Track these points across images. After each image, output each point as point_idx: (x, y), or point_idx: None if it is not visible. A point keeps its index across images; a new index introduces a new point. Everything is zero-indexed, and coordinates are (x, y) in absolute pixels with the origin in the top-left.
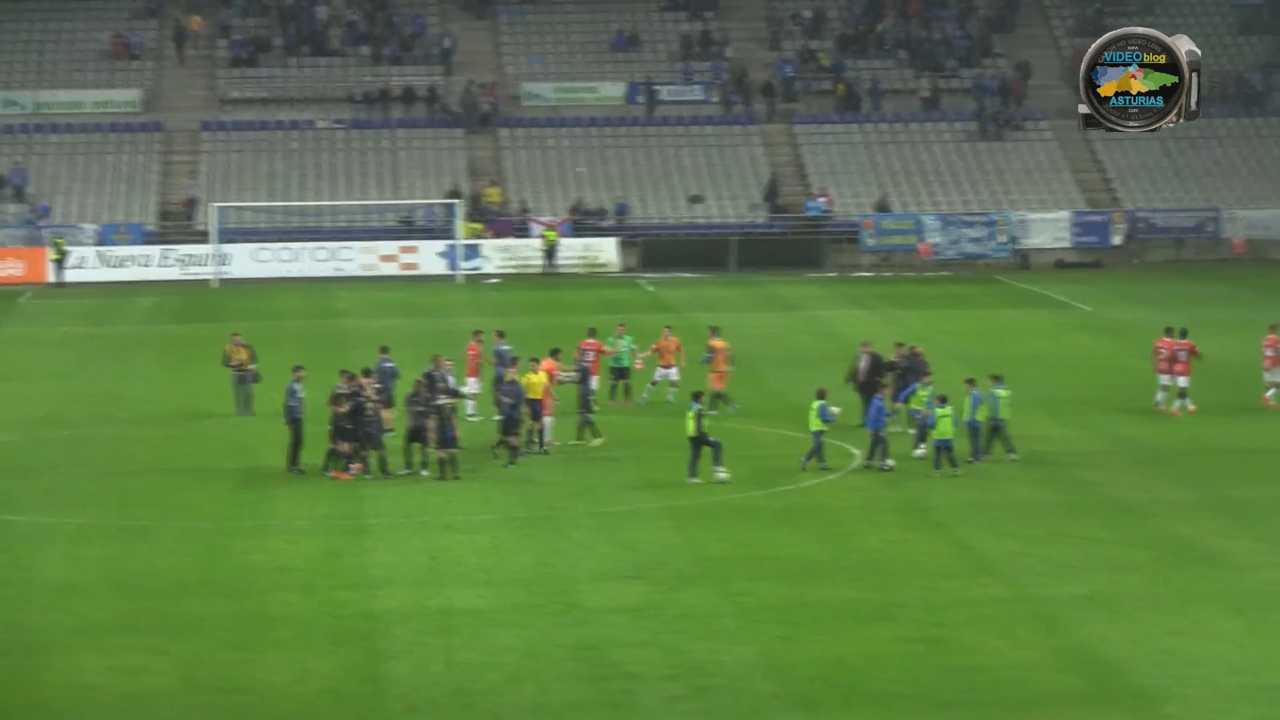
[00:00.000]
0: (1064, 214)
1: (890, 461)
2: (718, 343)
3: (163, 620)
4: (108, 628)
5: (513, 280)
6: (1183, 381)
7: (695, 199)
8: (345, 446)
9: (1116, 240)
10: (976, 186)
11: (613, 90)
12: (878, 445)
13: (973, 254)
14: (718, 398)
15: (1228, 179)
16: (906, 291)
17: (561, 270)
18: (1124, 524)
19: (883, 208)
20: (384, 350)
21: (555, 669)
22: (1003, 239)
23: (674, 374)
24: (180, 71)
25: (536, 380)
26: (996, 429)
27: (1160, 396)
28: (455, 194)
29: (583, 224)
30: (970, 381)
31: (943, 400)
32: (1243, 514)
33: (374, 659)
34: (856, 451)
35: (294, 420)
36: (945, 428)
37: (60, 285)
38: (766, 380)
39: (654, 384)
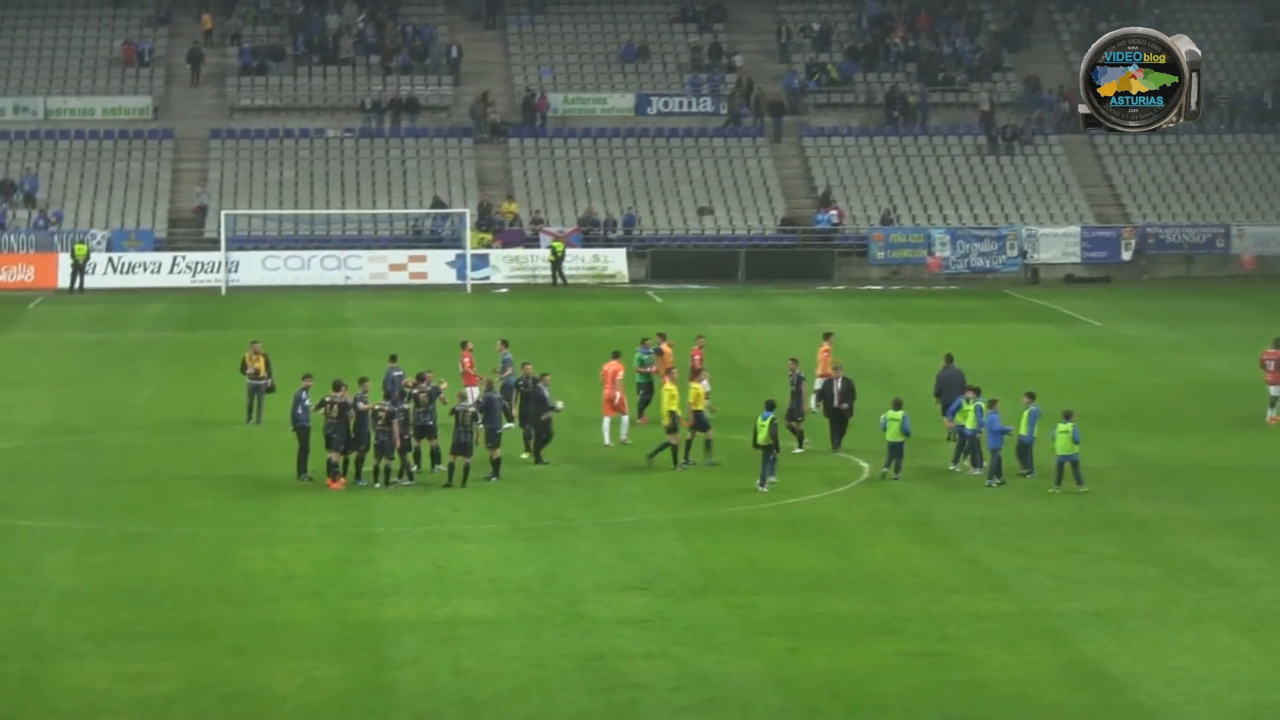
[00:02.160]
0: (1073, 229)
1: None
2: (665, 348)
3: (169, 626)
4: (114, 634)
5: (521, 290)
6: (1274, 390)
7: (704, 211)
8: (334, 455)
9: (1126, 256)
10: (986, 201)
11: (622, 101)
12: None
13: (982, 268)
14: None
15: (1237, 195)
16: (915, 305)
17: (570, 281)
18: (1132, 540)
19: (887, 221)
20: (393, 359)
21: (561, 679)
22: (1012, 253)
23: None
24: (189, 71)
25: (697, 389)
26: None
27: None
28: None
29: (591, 235)
30: (1030, 396)
31: (1067, 416)
32: (1252, 532)
33: (380, 668)
34: (865, 465)
35: (301, 428)
36: (1064, 443)
37: (80, 290)
38: (770, 392)
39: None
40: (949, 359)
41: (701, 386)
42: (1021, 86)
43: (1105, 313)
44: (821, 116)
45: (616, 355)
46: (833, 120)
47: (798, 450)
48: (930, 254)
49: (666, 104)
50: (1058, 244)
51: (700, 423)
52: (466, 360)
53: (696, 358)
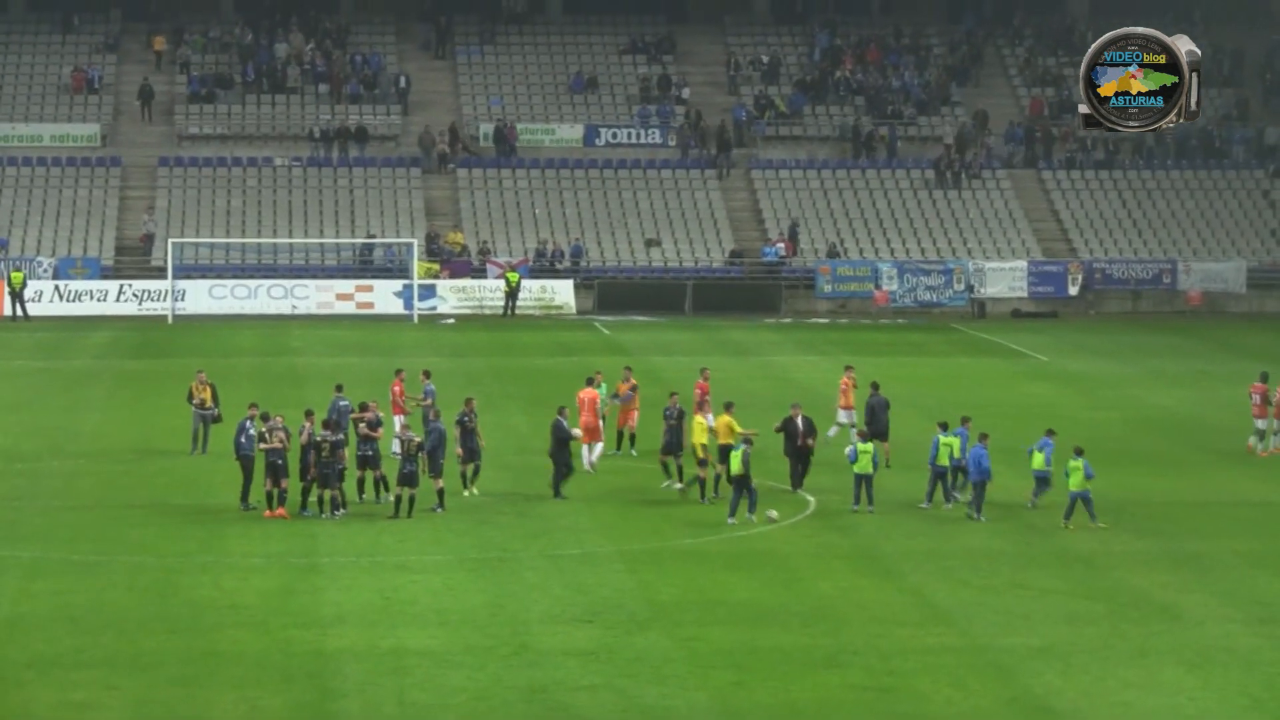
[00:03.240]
0: (1020, 263)
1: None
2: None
3: (113, 656)
4: (57, 662)
5: (468, 321)
6: (1259, 424)
7: (651, 242)
8: (284, 483)
9: (1073, 290)
10: (934, 235)
11: (570, 132)
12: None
13: (929, 302)
14: (631, 437)
15: (1184, 231)
16: (862, 338)
17: (517, 312)
18: (1079, 575)
19: (834, 254)
20: (339, 389)
21: (507, 711)
22: (959, 287)
23: (851, 415)
24: (139, 108)
25: (727, 421)
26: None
27: (1253, 440)
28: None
29: (538, 266)
30: (1050, 432)
31: (1078, 452)
32: (1197, 567)
33: (325, 698)
34: (811, 499)
35: (244, 458)
36: (1077, 480)
37: (25, 318)
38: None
39: (839, 426)
40: (875, 386)
41: (706, 421)
42: (970, 120)
43: (1052, 347)
44: (770, 149)
45: (591, 382)
46: (781, 153)
47: (678, 486)
48: (877, 287)
49: (615, 135)
50: (1005, 278)
51: (724, 456)
52: (398, 389)
53: (698, 391)
